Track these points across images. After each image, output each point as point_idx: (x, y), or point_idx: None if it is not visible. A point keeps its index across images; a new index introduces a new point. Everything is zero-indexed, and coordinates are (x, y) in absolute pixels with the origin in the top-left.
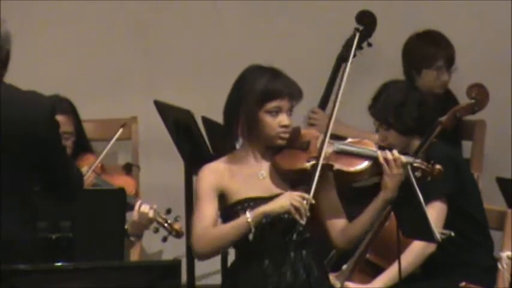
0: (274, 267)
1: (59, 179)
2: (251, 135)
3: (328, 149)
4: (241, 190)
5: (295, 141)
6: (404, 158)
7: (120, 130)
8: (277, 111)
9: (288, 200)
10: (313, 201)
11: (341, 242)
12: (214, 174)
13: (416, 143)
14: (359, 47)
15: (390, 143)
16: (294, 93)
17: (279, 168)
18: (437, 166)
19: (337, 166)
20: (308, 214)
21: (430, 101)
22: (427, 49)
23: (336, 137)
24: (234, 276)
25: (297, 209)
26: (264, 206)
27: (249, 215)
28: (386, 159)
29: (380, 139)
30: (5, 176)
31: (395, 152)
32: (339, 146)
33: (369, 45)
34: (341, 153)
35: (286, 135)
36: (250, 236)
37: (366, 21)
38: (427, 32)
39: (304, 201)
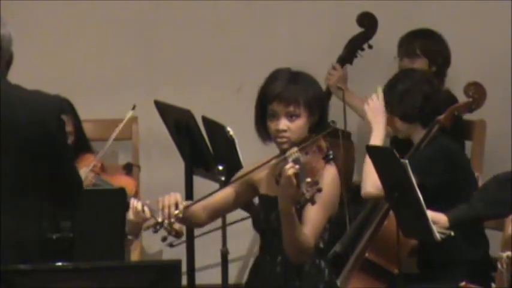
0: (267, 263)
1: (62, 178)
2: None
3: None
4: (262, 186)
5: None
6: (291, 170)
7: (121, 125)
8: (273, 115)
9: (168, 195)
10: (181, 215)
11: None
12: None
13: (419, 132)
14: (360, 48)
15: (394, 127)
16: (289, 98)
17: None
18: (317, 189)
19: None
20: (172, 220)
21: (441, 96)
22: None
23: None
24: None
25: (163, 206)
26: None
27: None
28: (284, 169)
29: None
30: (16, 176)
31: (289, 165)
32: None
33: (370, 47)
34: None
35: (283, 140)
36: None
37: (367, 23)
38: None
39: (175, 208)
